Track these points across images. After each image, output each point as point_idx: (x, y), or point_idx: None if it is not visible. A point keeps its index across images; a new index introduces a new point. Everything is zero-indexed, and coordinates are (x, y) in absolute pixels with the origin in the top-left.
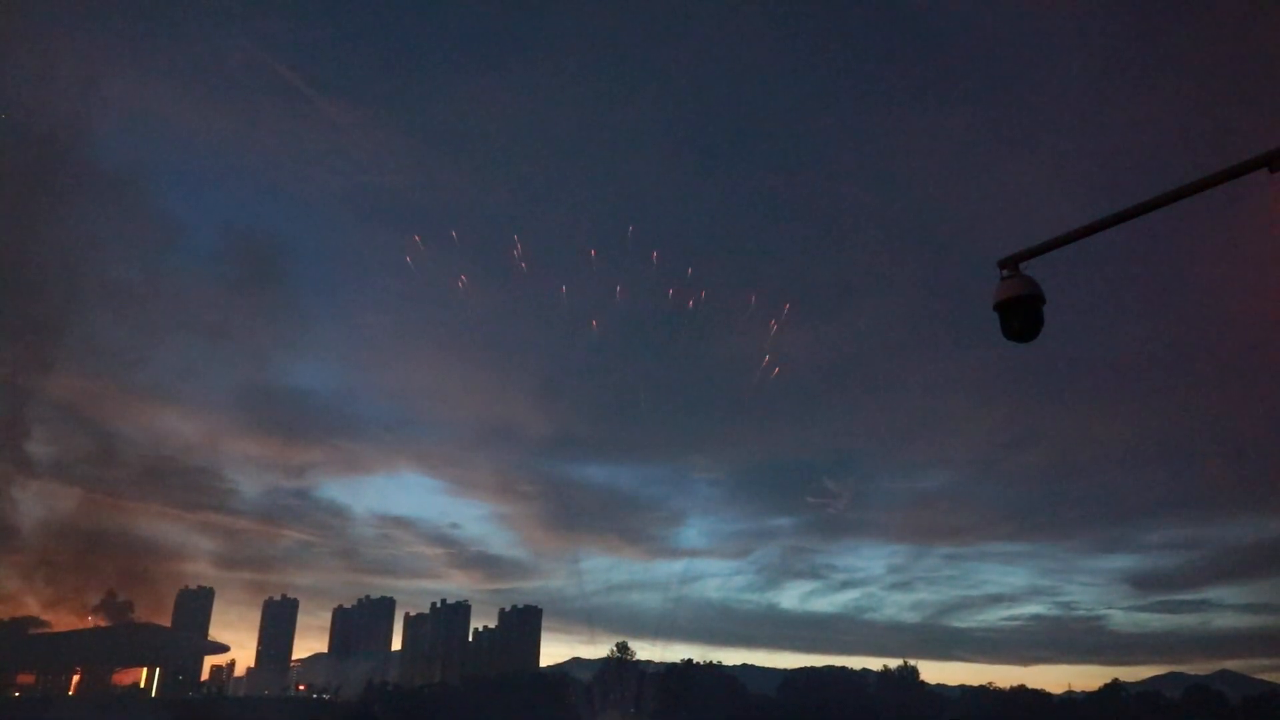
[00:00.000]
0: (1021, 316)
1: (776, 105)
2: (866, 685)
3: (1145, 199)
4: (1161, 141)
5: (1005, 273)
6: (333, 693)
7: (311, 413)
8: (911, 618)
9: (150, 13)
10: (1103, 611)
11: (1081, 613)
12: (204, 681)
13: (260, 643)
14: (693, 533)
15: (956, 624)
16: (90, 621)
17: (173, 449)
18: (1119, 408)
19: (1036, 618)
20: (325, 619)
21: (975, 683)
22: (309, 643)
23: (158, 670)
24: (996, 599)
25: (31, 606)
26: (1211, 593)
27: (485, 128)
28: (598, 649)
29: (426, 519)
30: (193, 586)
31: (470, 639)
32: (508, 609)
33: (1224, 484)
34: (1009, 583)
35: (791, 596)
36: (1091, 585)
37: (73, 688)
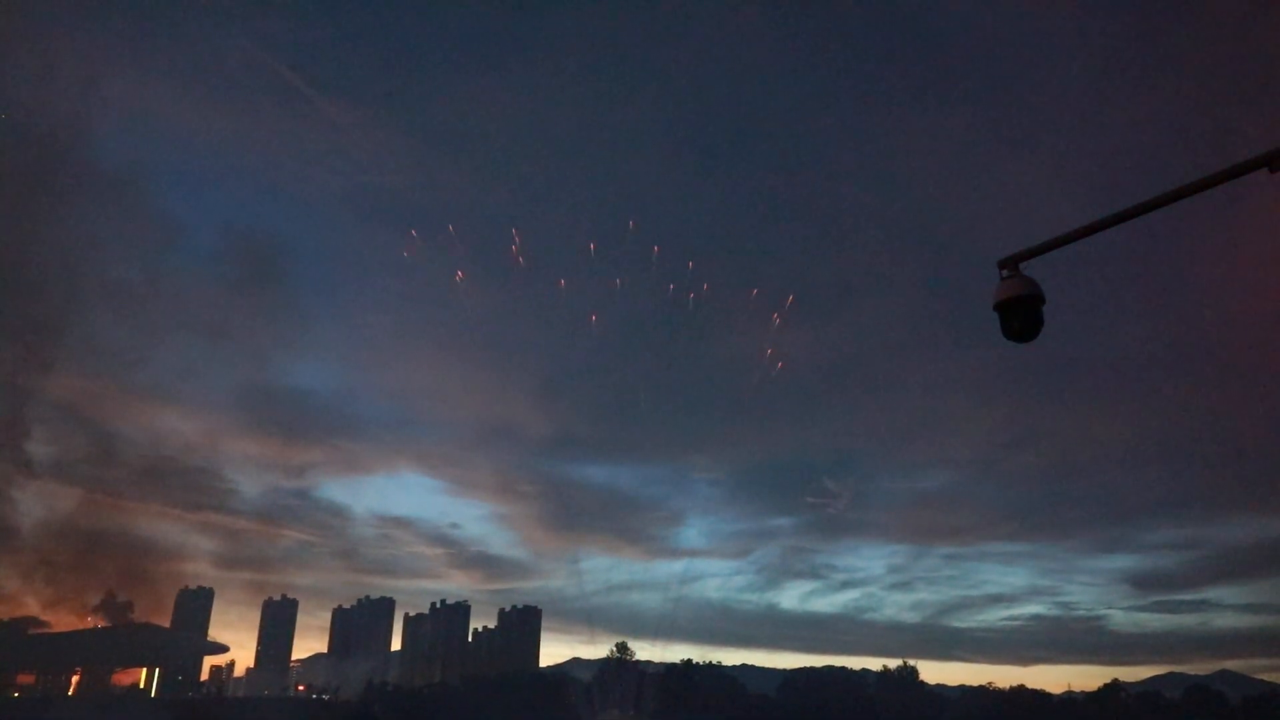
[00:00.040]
0: (1021, 317)
1: (776, 105)
2: (866, 685)
3: (1145, 199)
4: (1161, 141)
5: (1005, 273)
6: (332, 693)
7: (311, 413)
8: (911, 618)
9: (150, 13)
10: (1102, 611)
11: (1081, 613)
12: (203, 682)
13: (260, 643)
14: (692, 533)
15: (956, 624)
16: (90, 622)
17: (172, 449)
18: (1119, 408)
19: (1036, 618)
20: (325, 619)
21: (975, 683)
22: (309, 643)
23: (157, 671)
24: (996, 599)
25: (31, 607)
26: (1211, 593)
27: (485, 128)
28: (597, 649)
29: (426, 519)
30: (192, 587)
31: (470, 639)
32: (507, 609)
33: (1224, 484)
34: (1009, 583)
35: (791, 596)
36: (1091, 585)
37: (72, 688)
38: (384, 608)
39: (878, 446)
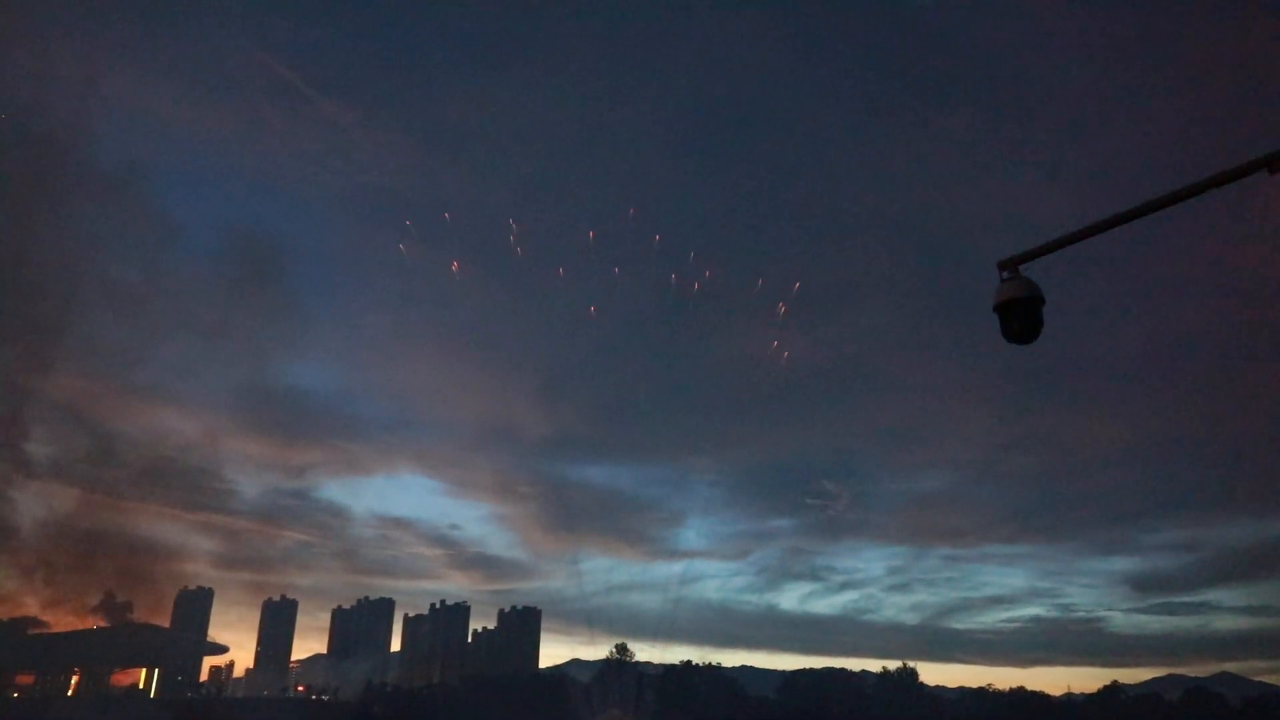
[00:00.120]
0: (1021, 318)
1: (776, 105)
2: (865, 687)
3: (1145, 200)
4: (1161, 143)
5: (1005, 274)
6: (332, 693)
7: (311, 413)
8: (911, 619)
9: (150, 13)
10: (1102, 613)
11: (1081, 614)
12: (203, 682)
13: (259, 643)
14: (692, 534)
15: (956, 626)
16: (89, 622)
17: (172, 449)
18: (1119, 409)
19: (1036, 619)
20: (324, 620)
21: (974, 684)
22: (308, 643)
23: (157, 671)
24: (996, 601)
25: (30, 607)
26: (1211, 594)
27: (485, 127)
28: (597, 650)
29: (426, 520)
30: (192, 587)
31: (469, 640)
32: (507, 610)
33: (1224, 486)
34: (1008, 584)
35: (791, 598)
36: (1091, 587)
37: (72, 688)
38: (383, 608)
39: (877, 448)
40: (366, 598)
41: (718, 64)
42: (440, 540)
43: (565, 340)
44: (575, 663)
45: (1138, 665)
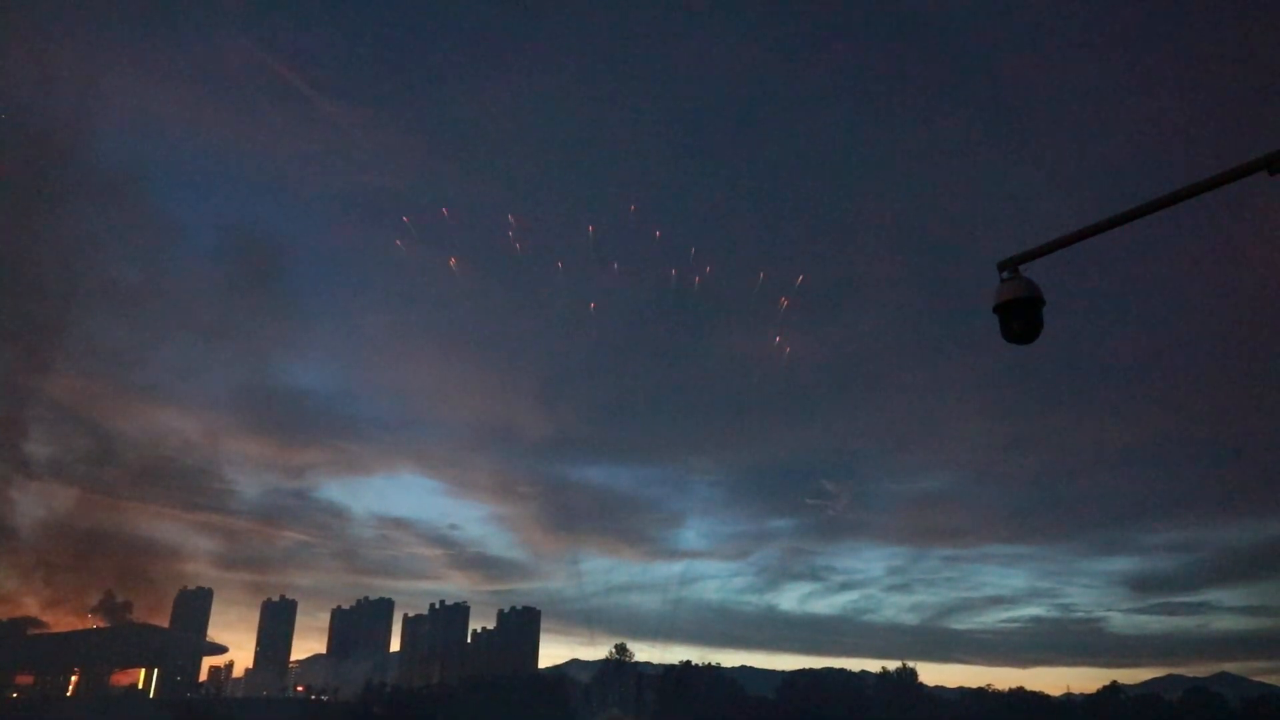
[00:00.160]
0: (1021, 318)
1: (776, 105)
2: (865, 687)
3: (1145, 201)
4: (1161, 143)
5: (1005, 275)
6: (331, 694)
7: (310, 413)
8: (910, 619)
9: (150, 13)
10: (1101, 614)
11: (1080, 615)
12: (202, 682)
13: (259, 643)
14: (692, 534)
15: (955, 626)
16: (89, 622)
17: (171, 449)
18: (1119, 409)
19: (1035, 620)
20: (324, 620)
21: (974, 685)
22: (307, 644)
23: (156, 671)
24: (995, 601)
25: (30, 607)
26: (1210, 595)
27: (484, 125)
28: (596, 650)
29: (425, 520)
30: (191, 587)
31: (469, 640)
32: (506, 610)
33: (1223, 486)
34: (1008, 585)
35: (790, 598)
36: (1090, 587)
37: (71, 688)
38: (383, 608)
39: (877, 448)
40: (366, 598)
41: (718, 63)
42: (440, 540)
43: (565, 338)
44: (575, 663)
45: (1137, 665)
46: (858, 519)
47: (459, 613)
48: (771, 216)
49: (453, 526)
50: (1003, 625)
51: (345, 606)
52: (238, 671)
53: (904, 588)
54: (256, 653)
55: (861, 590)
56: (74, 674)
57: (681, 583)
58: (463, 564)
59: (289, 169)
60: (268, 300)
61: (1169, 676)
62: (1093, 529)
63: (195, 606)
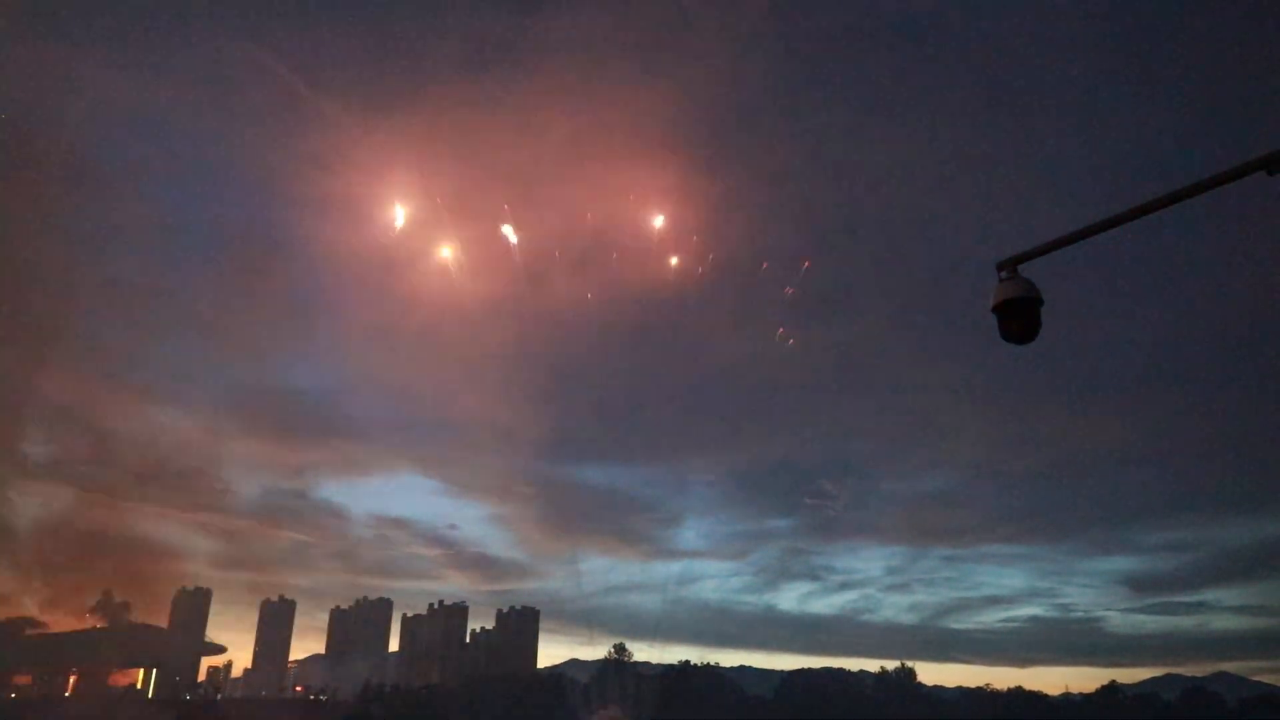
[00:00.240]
0: (1020, 318)
1: (775, 105)
2: (864, 687)
3: (1144, 201)
4: (1160, 143)
5: (1003, 274)
6: (330, 694)
7: (309, 413)
8: (909, 619)
9: (150, 12)
10: (1100, 613)
11: (1079, 614)
12: (201, 683)
13: (257, 644)
14: (691, 534)
15: (954, 625)
16: (87, 622)
17: (169, 449)
18: (1117, 410)
19: (1034, 619)
20: (323, 620)
21: (973, 684)
22: (306, 644)
23: (155, 671)
24: (994, 600)
25: (28, 607)
26: (1209, 594)
27: (485, 124)
28: (595, 650)
29: (424, 520)
30: (190, 587)
31: (468, 640)
32: (506, 610)
33: (1222, 486)
34: (1007, 584)
35: (789, 598)
36: (1089, 587)
37: (69, 689)
38: (382, 608)
39: (876, 448)
40: (365, 598)
41: (717, 63)
42: (439, 540)
43: (565, 335)
44: (574, 663)
45: (1136, 665)
46: (856, 518)
47: (458, 613)
48: (771, 217)
49: (452, 526)
50: (1002, 625)
51: (344, 606)
52: (236, 671)
53: (903, 587)
54: (255, 653)
55: (860, 590)
56: (72, 674)
57: (680, 582)
58: (462, 564)
59: (287, 169)
60: (266, 300)
61: (1167, 676)
62: (1091, 529)
63: (194, 606)
